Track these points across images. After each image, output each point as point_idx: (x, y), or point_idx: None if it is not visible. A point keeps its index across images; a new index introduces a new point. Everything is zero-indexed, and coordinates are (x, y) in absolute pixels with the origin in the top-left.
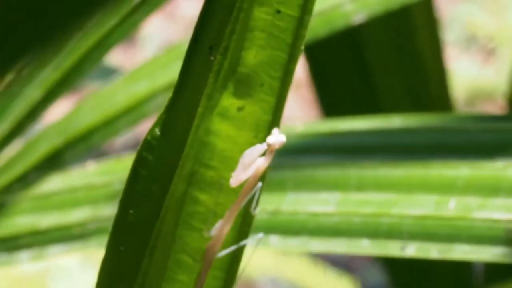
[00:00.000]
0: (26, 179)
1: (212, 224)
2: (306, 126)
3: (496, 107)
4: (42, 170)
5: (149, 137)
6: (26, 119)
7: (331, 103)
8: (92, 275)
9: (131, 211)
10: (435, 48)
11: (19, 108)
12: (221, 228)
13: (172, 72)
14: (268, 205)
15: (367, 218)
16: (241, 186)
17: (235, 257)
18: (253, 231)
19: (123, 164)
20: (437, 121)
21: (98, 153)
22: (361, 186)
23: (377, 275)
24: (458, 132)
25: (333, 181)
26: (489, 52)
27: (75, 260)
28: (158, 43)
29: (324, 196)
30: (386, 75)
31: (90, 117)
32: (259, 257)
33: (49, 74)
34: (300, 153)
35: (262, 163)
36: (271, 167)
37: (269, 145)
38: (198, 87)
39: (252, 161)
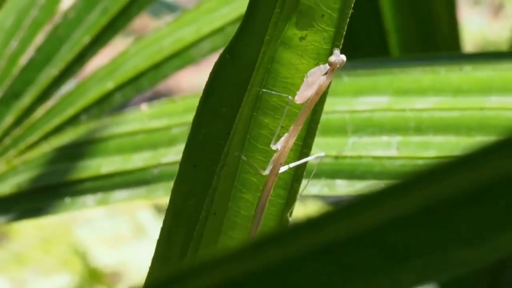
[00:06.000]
0: (77, 121)
1: (278, 138)
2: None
3: None
4: (92, 112)
5: (220, 62)
6: (75, 63)
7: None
8: (114, 222)
9: (203, 131)
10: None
11: (68, 52)
12: (286, 141)
13: (217, 18)
14: (330, 149)
15: (430, 161)
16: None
17: (297, 177)
18: (318, 176)
19: (178, 105)
20: (488, 60)
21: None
22: (420, 129)
23: None
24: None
25: (391, 123)
26: (497, 8)
27: (100, 211)
28: None
29: (385, 139)
30: (398, 19)
31: (138, 61)
32: None
33: (97, 18)
34: (355, 95)
35: (324, 80)
36: (329, 112)
37: (330, 64)
38: (266, 16)
39: (315, 80)
